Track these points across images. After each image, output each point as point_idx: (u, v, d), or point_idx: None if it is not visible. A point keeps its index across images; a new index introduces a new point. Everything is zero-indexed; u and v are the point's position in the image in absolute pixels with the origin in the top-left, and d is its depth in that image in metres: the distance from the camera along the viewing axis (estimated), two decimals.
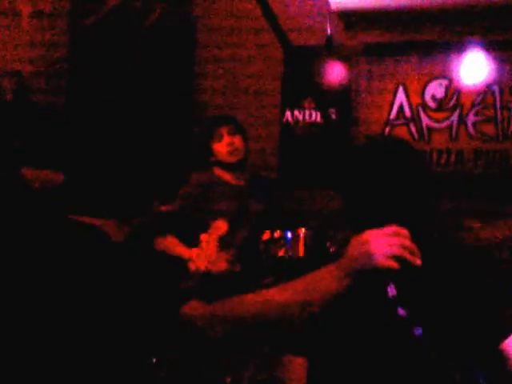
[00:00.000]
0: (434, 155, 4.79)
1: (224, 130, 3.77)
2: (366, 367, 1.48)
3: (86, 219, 1.59)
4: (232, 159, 3.77)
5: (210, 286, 3.10)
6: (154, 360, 2.42)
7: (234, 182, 3.81)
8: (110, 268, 1.47)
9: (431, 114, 4.83)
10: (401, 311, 1.48)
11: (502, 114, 4.69)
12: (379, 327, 1.49)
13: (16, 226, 1.65)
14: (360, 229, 1.47)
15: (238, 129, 3.84)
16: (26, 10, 4.40)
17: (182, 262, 3.26)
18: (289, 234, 3.35)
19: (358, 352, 1.49)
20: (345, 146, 4.73)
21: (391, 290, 1.50)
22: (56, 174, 1.78)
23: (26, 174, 1.92)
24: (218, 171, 3.83)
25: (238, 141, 3.78)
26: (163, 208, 3.74)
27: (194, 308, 1.46)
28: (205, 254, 3.15)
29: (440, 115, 4.82)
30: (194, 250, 3.22)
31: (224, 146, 3.75)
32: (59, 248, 1.51)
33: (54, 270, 1.47)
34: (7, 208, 1.74)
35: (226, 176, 3.81)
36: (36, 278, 1.47)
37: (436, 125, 4.82)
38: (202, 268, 3.14)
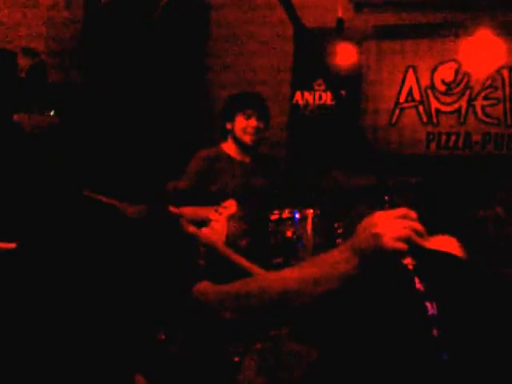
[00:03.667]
0: (443, 138, 4.81)
1: (255, 113, 3.80)
2: (381, 355, 1.48)
3: (102, 198, 1.61)
4: (248, 140, 3.80)
5: (220, 265, 3.12)
6: (163, 336, 2.45)
7: (239, 158, 3.85)
8: (123, 245, 1.49)
9: (440, 96, 4.84)
10: (430, 308, 1.49)
11: (510, 97, 4.69)
12: (402, 320, 1.50)
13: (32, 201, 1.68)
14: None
15: (266, 116, 3.87)
16: None
17: (193, 241, 3.29)
18: (297, 215, 3.37)
19: (374, 341, 1.49)
20: (354, 128, 4.74)
21: (420, 286, 1.50)
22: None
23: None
24: (225, 147, 3.87)
25: (262, 127, 3.83)
26: (178, 185, 3.77)
27: (206, 287, 1.46)
28: (215, 233, 3.17)
29: (449, 98, 4.82)
30: (204, 229, 3.24)
31: (248, 125, 3.79)
32: (75, 223, 1.53)
33: (71, 246, 1.49)
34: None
35: (233, 153, 3.85)
36: (53, 252, 1.50)
37: (445, 107, 4.83)
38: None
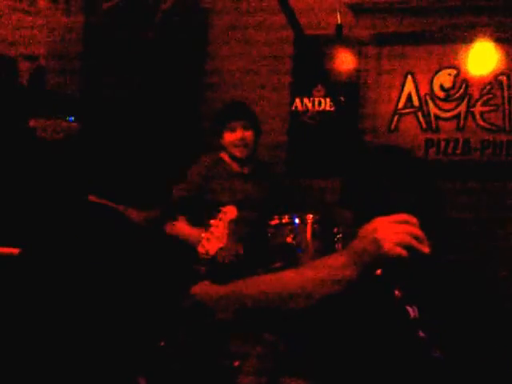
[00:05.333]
0: (442, 144, 4.82)
1: (239, 124, 3.80)
2: (372, 365, 1.48)
3: (108, 203, 1.63)
4: (239, 154, 3.81)
5: (219, 269, 3.12)
6: (162, 342, 2.45)
7: (237, 168, 3.86)
8: (126, 249, 1.49)
9: (439, 103, 4.85)
10: (411, 312, 1.49)
11: (509, 104, 4.70)
12: (387, 328, 1.50)
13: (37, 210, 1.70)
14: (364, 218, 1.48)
15: (252, 124, 3.86)
16: None
17: (192, 245, 3.30)
18: (297, 220, 3.37)
19: (361, 348, 1.50)
20: (353, 134, 4.76)
21: (397, 292, 1.51)
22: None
23: None
24: (224, 156, 3.88)
25: (249, 136, 3.81)
26: (176, 193, 3.78)
27: (204, 289, 1.46)
28: (215, 238, 3.18)
29: (448, 105, 4.83)
30: (204, 234, 3.25)
31: (235, 139, 3.79)
32: (80, 229, 1.54)
33: (76, 250, 1.50)
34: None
35: (230, 163, 3.86)
36: (58, 257, 1.51)
37: (444, 114, 4.84)
38: (212, 252, 3.17)
